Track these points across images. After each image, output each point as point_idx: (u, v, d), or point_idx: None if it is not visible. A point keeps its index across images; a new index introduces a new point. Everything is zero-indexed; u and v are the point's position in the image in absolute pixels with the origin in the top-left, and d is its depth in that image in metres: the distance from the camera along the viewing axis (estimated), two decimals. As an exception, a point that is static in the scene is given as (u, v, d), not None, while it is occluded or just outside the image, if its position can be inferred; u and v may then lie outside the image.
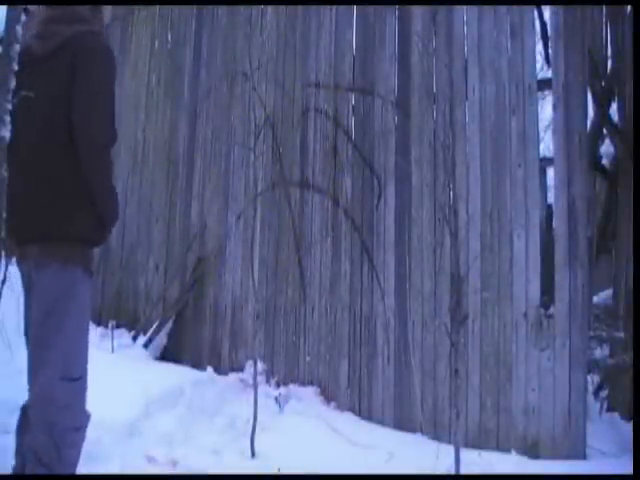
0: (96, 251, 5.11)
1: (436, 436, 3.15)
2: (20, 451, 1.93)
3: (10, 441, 2.83)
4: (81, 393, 1.99)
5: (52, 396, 1.88)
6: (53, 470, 1.78)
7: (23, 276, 2.07)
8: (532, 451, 2.95)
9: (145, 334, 4.47)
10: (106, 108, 1.87)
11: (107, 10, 2.15)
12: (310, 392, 3.68)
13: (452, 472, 2.40)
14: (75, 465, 1.90)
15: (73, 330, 1.98)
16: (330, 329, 3.76)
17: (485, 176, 3.26)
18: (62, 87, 1.80)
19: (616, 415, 3.30)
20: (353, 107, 3.87)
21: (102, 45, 1.90)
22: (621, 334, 3.48)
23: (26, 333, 2.10)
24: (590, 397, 3.37)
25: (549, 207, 6.12)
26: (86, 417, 1.99)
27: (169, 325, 4.44)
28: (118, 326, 4.66)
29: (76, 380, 1.97)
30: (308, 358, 3.83)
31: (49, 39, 1.85)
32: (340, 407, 3.60)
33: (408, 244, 3.48)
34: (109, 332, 4.39)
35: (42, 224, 1.86)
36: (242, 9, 4.48)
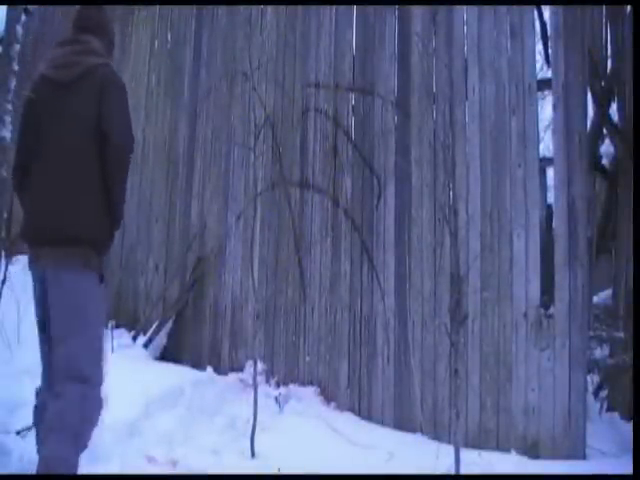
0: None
1: (436, 436, 3.16)
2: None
3: (10, 441, 2.84)
4: (101, 359, 2.14)
5: (86, 370, 2.05)
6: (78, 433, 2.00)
7: (36, 276, 2.17)
8: (532, 451, 2.95)
9: (145, 334, 4.47)
10: (129, 123, 2.25)
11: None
12: (310, 392, 3.68)
13: (452, 472, 2.40)
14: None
15: (91, 329, 2.11)
16: (330, 329, 3.76)
17: (485, 176, 3.26)
18: (89, 106, 2.13)
19: (616, 415, 3.30)
20: (353, 107, 3.87)
21: (117, 75, 2.29)
22: (621, 334, 3.48)
23: (42, 330, 2.19)
24: (590, 397, 3.37)
25: (549, 207, 6.12)
26: (98, 404, 2.14)
27: (169, 325, 4.44)
28: (118, 326, 4.66)
29: (88, 381, 2.08)
30: (308, 358, 3.83)
31: (73, 67, 2.19)
32: (340, 407, 3.60)
33: (408, 244, 3.48)
34: (109, 332, 4.39)
35: (63, 229, 2.06)
36: (242, 9, 4.48)
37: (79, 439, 2.01)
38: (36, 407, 2.19)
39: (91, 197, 2.11)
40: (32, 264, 2.19)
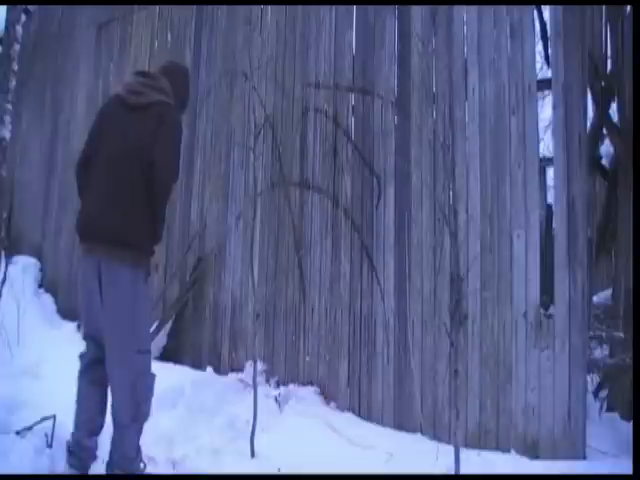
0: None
1: (436, 436, 3.16)
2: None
3: (10, 441, 2.84)
4: (149, 362, 2.55)
5: (132, 366, 2.44)
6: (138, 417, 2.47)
7: (89, 268, 2.48)
8: (532, 451, 2.95)
9: (145, 334, 4.46)
10: (175, 160, 2.57)
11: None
12: (310, 392, 3.68)
13: (452, 472, 2.40)
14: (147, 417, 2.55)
15: (141, 317, 2.50)
16: (330, 329, 3.76)
17: (485, 176, 3.26)
18: (147, 134, 2.46)
19: (616, 415, 3.30)
20: (353, 107, 3.87)
21: (176, 115, 2.63)
22: (621, 334, 3.48)
23: (87, 324, 2.63)
24: (590, 397, 3.37)
25: (549, 207, 6.13)
26: (153, 378, 2.58)
27: (169, 325, 4.44)
28: (118, 326, 4.66)
29: (146, 352, 2.52)
30: (308, 358, 3.83)
31: (142, 96, 2.56)
32: (340, 407, 3.60)
33: (408, 244, 3.48)
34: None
35: (115, 232, 2.41)
36: (242, 9, 4.48)
37: (137, 420, 2.49)
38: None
39: (138, 210, 2.44)
40: (87, 255, 2.50)
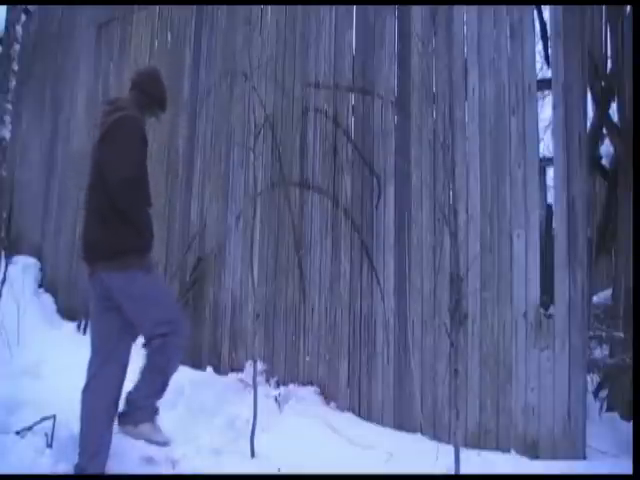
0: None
1: (436, 436, 3.16)
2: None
3: (10, 441, 2.84)
4: (180, 335, 2.77)
5: (164, 343, 2.68)
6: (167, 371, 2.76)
7: (94, 287, 2.76)
8: (532, 451, 2.95)
9: (145, 334, 4.46)
10: (125, 163, 2.62)
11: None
12: (310, 392, 3.68)
13: (452, 472, 2.40)
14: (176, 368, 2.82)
15: (155, 303, 2.75)
16: (330, 329, 3.76)
17: (485, 176, 3.26)
18: (103, 153, 2.69)
19: (616, 415, 3.30)
20: (353, 107, 3.86)
21: (126, 123, 2.71)
22: (621, 334, 3.48)
23: (94, 339, 2.84)
24: (590, 397, 3.37)
25: (549, 207, 6.13)
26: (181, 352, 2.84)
27: (169, 325, 4.43)
28: (118, 326, 4.65)
29: (174, 322, 2.74)
30: (308, 358, 3.83)
31: (103, 125, 2.75)
32: (340, 407, 3.60)
33: (408, 244, 3.48)
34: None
35: (103, 246, 2.67)
36: (242, 9, 4.48)
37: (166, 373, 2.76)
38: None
39: (114, 222, 2.64)
40: (90, 275, 2.76)
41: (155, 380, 2.76)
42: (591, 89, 3.82)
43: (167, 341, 2.69)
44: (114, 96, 3.09)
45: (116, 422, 2.73)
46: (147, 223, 2.77)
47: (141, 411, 2.74)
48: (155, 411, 2.80)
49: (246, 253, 4.11)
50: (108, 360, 2.72)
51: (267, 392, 3.68)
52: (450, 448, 2.44)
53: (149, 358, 2.75)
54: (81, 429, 2.66)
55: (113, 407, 2.71)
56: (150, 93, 2.99)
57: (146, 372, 2.75)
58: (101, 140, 2.73)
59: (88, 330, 4.93)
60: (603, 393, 3.53)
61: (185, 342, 2.85)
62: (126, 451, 2.98)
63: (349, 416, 3.53)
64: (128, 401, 2.75)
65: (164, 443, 2.77)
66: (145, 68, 3.25)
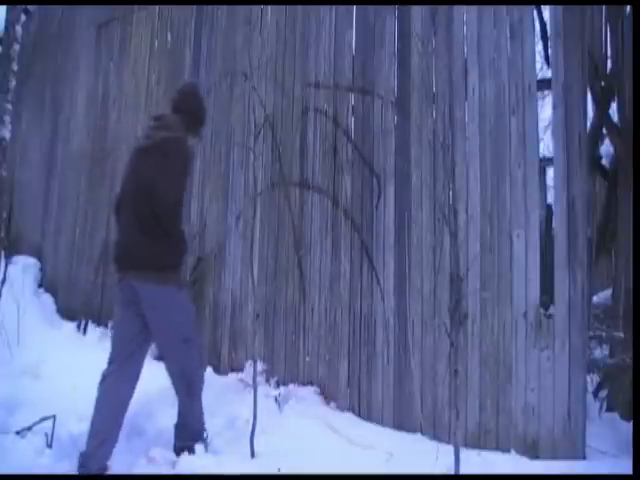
0: (97, 251, 5.09)
1: (436, 436, 3.16)
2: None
3: (10, 441, 2.84)
4: (196, 348, 3.01)
5: (180, 354, 2.90)
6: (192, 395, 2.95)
7: (123, 292, 2.87)
8: (532, 451, 2.95)
9: (145, 334, 4.46)
10: (174, 189, 2.82)
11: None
12: (310, 392, 3.68)
13: (452, 472, 2.40)
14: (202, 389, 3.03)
15: (180, 316, 2.90)
16: (330, 329, 3.76)
17: (485, 176, 3.26)
18: (153, 170, 2.80)
19: (616, 415, 3.29)
20: (353, 107, 3.86)
21: (178, 147, 2.87)
22: (621, 334, 3.48)
23: (117, 341, 2.95)
24: (590, 397, 3.37)
25: (549, 207, 6.13)
26: (199, 363, 3.05)
27: (169, 325, 4.44)
28: (118, 326, 4.65)
29: (191, 340, 2.93)
30: (308, 358, 3.83)
31: (151, 139, 2.92)
32: (340, 407, 3.60)
33: (408, 244, 3.48)
34: (109, 332, 4.39)
35: (141, 257, 2.80)
36: (242, 9, 4.48)
37: (192, 396, 2.96)
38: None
39: (154, 236, 2.77)
40: (121, 281, 2.88)
41: (186, 404, 2.96)
42: (591, 89, 3.81)
43: (185, 365, 2.91)
44: (160, 113, 3.22)
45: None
46: (184, 240, 2.95)
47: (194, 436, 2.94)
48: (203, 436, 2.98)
49: (246, 253, 4.11)
50: (126, 362, 2.86)
51: (267, 392, 3.68)
52: (450, 448, 2.44)
53: (175, 387, 2.97)
54: (93, 418, 2.75)
55: (125, 404, 2.84)
56: (195, 115, 3.12)
57: (179, 402, 2.97)
58: (147, 153, 2.89)
59: (88, 330, 4.96)
60: (603, 393, 3.53)
61: (200, 363, 3.05)
62: (126, 451, 2.98)
63: (349, 416, 3.53)
64: (179, 436, 2.96)
65: None
66: (185, 87, 3.27)
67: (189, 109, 3.09)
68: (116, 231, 3.04)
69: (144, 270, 2.78)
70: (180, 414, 2.99)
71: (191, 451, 2.86)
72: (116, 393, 2.82)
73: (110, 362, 2.89)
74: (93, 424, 2.74)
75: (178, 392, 2.98)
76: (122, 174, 3.09)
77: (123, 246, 2.89)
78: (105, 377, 2.84)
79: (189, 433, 2.94)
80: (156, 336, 2.91)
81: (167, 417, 3.30)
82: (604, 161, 4.38)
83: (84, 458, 2.67)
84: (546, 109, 4.18)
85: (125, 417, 3.16)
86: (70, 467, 2.75)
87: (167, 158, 2.81)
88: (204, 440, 2.96)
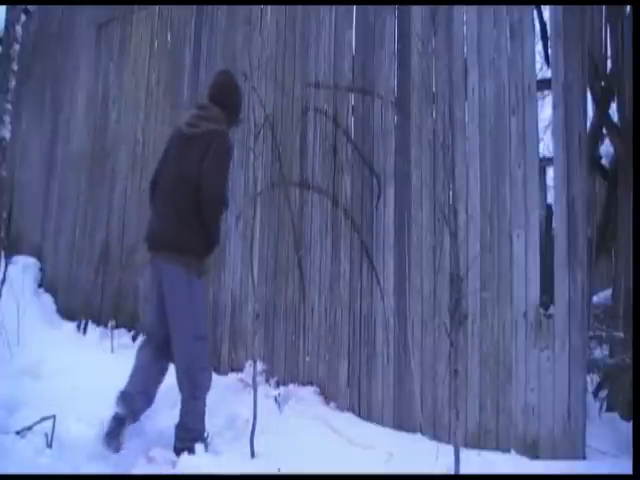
0: (97, 251, 5.09)
1: (436, 436, 3.16)
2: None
3: (10, 441, 2.84)
4: (206, 347, 3.02)
5: (189, 350, 2.91)
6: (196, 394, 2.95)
7: (154, 273, 3.01)
8: (531, 451, 2.95)
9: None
10: (220, 182, 2.97)
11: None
12: (310, 392, 3.68)
13: (452, 472, 2.40)
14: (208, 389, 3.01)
15: (196, 310, 2.95)
16: (330, 329, 3.76)
17: (485, 176, 3.26)
18: (197, 161, 2.90)
19: (616, 415, 3.29)
20: (353, 107, 3.86)
21: (224, 141, 3.00)
22: (621, 334, 3.48)
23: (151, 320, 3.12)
24: (590, 397, 3.37)
25: (549, 207, 6.13)
26: (206, 363, 3.03)
27: (169, 325, 4.43)
28: (118, 326, 4.67)
29: (202, 339, 2.97)
30: (308, 358, 3.83)
31: (196, 128, 3.01)
32: (340, 407, 3.60)
33: (407, 244, 3.48)
34: (109, 332, 4.40)
35: (172, 241, 2.91)
36: (242, 9, 4.48)
37: (195, 396, 2.95)
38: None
39: (188, 223, 2.89)
40: (151, 261, 3.02)
41: (189, 403, 2.97)
42: (591, 89, 3.81)
43: (191, 362, 2.93)
44: (203, 102, 3.25)
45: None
46: (219, 235, 3.08)
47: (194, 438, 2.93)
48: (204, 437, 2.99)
49: (246, 253, 4.11)
50: (160, 344, 3.01)
51: (267, 392, 3.68)
52: (450, 448, 2.44)
53: (180, 384, 2.97)
54: (132, 373, 3.03)
55: (159, 381, 3.06)
56: (235, 109, 3.23)
57: (182, 400, 2.98)
58: (190, 142, 2.97)
59: (88, 330, 4.96)
60: (603, 393, 3.53)
61: (208, 363, 3.05)
62: (126, 451, 2.98)
63: (349, 416, 3.53)
64: (179, 437, 2.95)
65: None
66: (224, 78, 3.28)
67: (230, 103, 3.17)
68: (151, 214, 3.14)
69: (173, 252, 2.88)
70: (182, 413, 2.97)
71: (191, 451, 2.84)
72: (151, 370, 3.04)
73: (147, 338, 3.12)
74: (132, 385, 2.97)
75: (182, 389, 2.96)
76: (161, 156, 3.19)
77: (157, 228, 3.00)
78: (141, 349, 3.09)
79: (190, 433, 2.93)
80: (170, 325, 2.94)
81: (167, 417, 3.30)
82: (604, 161, 4.38)
83: (125, 394, 2.89)
84: (546, 109, 4.18)
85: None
86: (70, 467, 2.75)
87: (214, 152, 2.90)
88: (204, 440, 2.95)
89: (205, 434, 2.99)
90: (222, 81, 3.24)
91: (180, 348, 2.94)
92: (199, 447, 2.91)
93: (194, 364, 2.93)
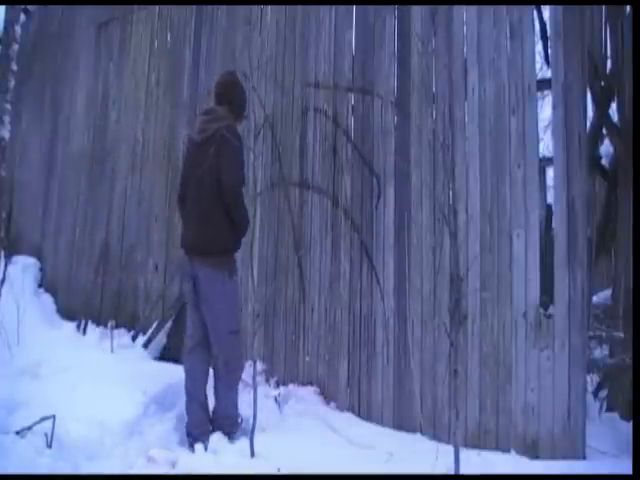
0: (97, 251, 5.08)
1: (435, 436, 3.16)
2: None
3: (10, 441, 2.83)
4: (239, 339, 3.20)
5: (225, 343, 3.14)
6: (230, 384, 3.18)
7: (191, 274, 3.19)
8: (531, 451, 2.95)
9: (144, 334, 4.47)
10: (237, 169, 3.14)
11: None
12: (310, 392, 3.68)
13: (451, 472, 2.40)
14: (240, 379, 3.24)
15: (230, 306, 3.16)
16: (330, 329, 3.76)
17: (484, 176, 3.26)
18: (213, 160, 3.05)
19: (615, 415, 3.30)
20: (352, 107, 3.86)
21: (232, 132, 3.15)
22: (621, 334, 3.48)
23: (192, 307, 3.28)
24: (590, 397, 3.37)
25: (549, 207, 6.13)
26: (241, 353, 3.24)
27: (168, 325, 4.44)
28: (117, 326, 4.66)
29: (236, 332, 3.17)
30: (307, 358, 3.83)
31: (204, 132, 3.20)
32: (340, 407, 3.60)
33: (407, 244, 3.48)
34: (109, 332, 4.40)
35: (201, 245, 3.14)
36: (242, 9, 4.48)
37: (231, 387, 3.18)
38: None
39: (216, 224, 3.09)
40: (188, 264, 3.21)
41: (223, 391, 3.17)
42: (591, 89, 3.82)
43: (228, 354, 3.12)
44: (208, 107, 3.48)
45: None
46: (247, 219, 3.21)
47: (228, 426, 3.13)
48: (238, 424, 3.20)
49: (246, 253, 4.10)
50: (200, 344, 3.19)
51: (267, 392, 3.68)
52: (450, 448, 2.44)
53: (216, 374, 3.18)
54: (185, 382, 3.20)
55: (204, 380, 3.20)
56: (239, 103, 3.35)
57: (216, 388, 3.18)
58: (204, 145, 3.15)
59: (88, 330, 4.95)
60: (603, 393, 3.53)
61: (242, 354, 3.23)
62: (126, 451, 2.98)
63: (349, 416, 3.53)
64: (215, 421, 3.15)
65: None
66: (225, 77, 3.42)
67: (233, 99, 3.29)
68: (183, 222, 3.36)
69: (204, 255, 3.11)
70: (218, 402, 3.18)
71: (226, 434, 3.07)
72: (195, 370, 3.20)
73: (189, 339, 3.29)
74: (186, 388, 3.18)
75: (219, 379, 3.17)
76: (182, 170, 3.39)
77: (188, 235, 3.24)
78: (185, 353, 3.33)
79: (227, 420, 3.14)
80: (207, 322, 3.15)
81: (167, 417, 3.30)
82: (604, 161, 4.39)
83: (191, 427, 3.09)
84: (546, 109, 4.19)
85: (125, 417, 3.17)
86: (70, 467, 2.75)
87: (224, 145, 3.05)
88: (239, 425, 3.18)
89: (239, 419, 3.20)
90: (225, 80, 3.37)
91: (218, 343, 3.13)
92: (199, 447, 2.91)
93: (231, 357, 3.12)
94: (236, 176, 3.11)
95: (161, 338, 4.40)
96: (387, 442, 3.12)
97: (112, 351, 4.22)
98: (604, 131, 4.17)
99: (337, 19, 3.99)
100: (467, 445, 2.94)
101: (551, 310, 3.06)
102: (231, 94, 3.30)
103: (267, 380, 3.89)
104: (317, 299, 3.83)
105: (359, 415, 3.53)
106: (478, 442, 3.06)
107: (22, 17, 5.71)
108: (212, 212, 3.10)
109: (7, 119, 4.34)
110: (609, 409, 3.38)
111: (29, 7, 6.26)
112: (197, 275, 3.14)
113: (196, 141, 3.25)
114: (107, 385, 3.42)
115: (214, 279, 3.10)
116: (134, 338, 4.50)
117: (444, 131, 3.39)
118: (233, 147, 3.09)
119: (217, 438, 3.03)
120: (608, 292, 4.15)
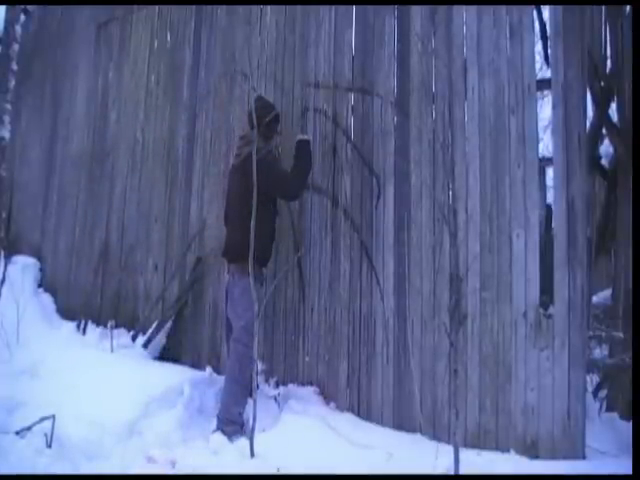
0: (97, 251, 5.07)
1: (435, 436, 3.16)
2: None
3: (10, 441, 2.84)
4: (252, 339, 3.23)
5: (240, 336, 3.44)
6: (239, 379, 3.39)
7: (228, 276, 3.67)
8: (531, 451, 2.95)
9: (144, 334, 4.46)
10: (283, 178, 3.61)
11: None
12: (309, 392, 3.68)
13: (451, 472, 2.40)
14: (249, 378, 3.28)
15: (246, 316, 3.42)
16: (329, 329, 3.76)
17: (484, 176, 3.26)
18: (247, 180, 3.26)
19: (615, 415, 3.30)
20: (352, 107, 3.86)
21: (263, 155, 3.45)
22: (620, 334, 3.49)
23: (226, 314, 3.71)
24: (589, 397, 3.37)
25: (549, 207, 6.13)
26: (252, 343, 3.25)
27: (168, 325, 4.44)
28: (117, 326, 4.66)
29: (251, 335, 3.26)
30: (307, 358, 3.83)
31: (239, 157, 3.65)
32: (339, 407, 3.60)
33: (407, 244, 3.48)
34: (108, 332, 4.40)
35: (234, 253, 3.58)
36: (242, 9, 4.48)
37: (237, 382, 3.38)
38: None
39: (248, 236, 3.19)
40: (227, 269, 3.69)
41: (230, 388, 3.38)
42: (591, 89, 3.82)
43: (242, 352, 3.35)
44: (243, 132, 3.82)
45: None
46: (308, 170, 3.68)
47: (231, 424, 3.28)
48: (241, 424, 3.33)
49: (246, 253, 4.10)
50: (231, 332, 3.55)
51: (267, 392, 3.68)
52: (450, 448, 2.45)
53: (230, 369, 3.43)
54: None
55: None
56: (264, 124, 3.62)
57: (225, 386, 3.42)
58: (239, 168, 3.56)
59: (88, 330, 4.95)
60: (603, 393, 3.53)
61: (251, 352, 3.21)
62: (126, 451, 2.98)
63: (349, 416, 3.53)
64: (219, 419, 3.32)
65: None
66: (252, 104, 3.57)
67: (260, 122, 3.54)
68: (225, 235, 3.76)
69: (237, 262, 3.52)
70: (223, 397, 3.39)
71: (225, 434, 3.18)
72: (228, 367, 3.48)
73: (227, 333, 3.71)
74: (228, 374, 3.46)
75: (231, 373, 3.40)
76: (226, 192, 3.81)
77: (227, 244, 3.69)
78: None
79: (228, 416, 3.29)
80: (230, 317, 3.60)
81: (167, 417, 3.30)
82: (604, 161, 4.39)
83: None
84: (546, 109, 4.19)
85: (125, 417, 3.17)
86: (70, 467, 2.75)
87: (262, 167, 3.30)
88: (240, 430, 3.28)
89: (241, 425, 3.30)
90: (253, 106, 3.53)
91: (235, 339, 3.45)
92: (199, 446, 2.91)
93: (245, 353, 3.31)
94: (298, 186, 3.63)
95: (161, 338, 4.40)
96: (387, 442, 3.12)
97: (112, 351, 4.22)
98: (604, 131, 4.17)
99: (337, 19, 3.99)
100: (467, 445, 2.94)
101: (551, 310, 3.06)
102: (257, 118, 3.47)
103: (267, 380, 3.89)
104: (317, 299, 3.83)
105: (359, 415, 3.53)
106: (478, 442, 3.06)
107: (22, 17, 5.72)
108: (245, 228, 3.26)
109: (7, 119, 4.35)
110: (609, 409, 3.38)
111: (29, 7, 6.26)
112: (231, 277, 3.60)
113: (233, 164, 3.74)
114: (107, 385, 3.42)
115: (237, 284, 3.51)
116: (134, 338, 4.50)
117: (444, 131, 3.39)
118: (271, 165, 3.53)
119: (217, 438, 3.03)
120: (608, 292, 4.16)
